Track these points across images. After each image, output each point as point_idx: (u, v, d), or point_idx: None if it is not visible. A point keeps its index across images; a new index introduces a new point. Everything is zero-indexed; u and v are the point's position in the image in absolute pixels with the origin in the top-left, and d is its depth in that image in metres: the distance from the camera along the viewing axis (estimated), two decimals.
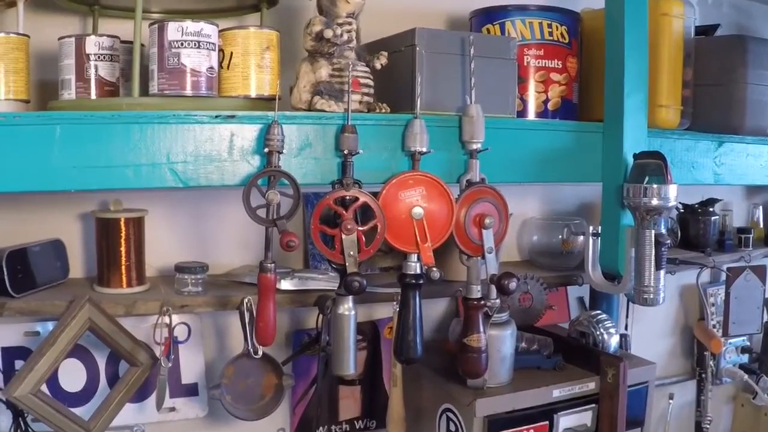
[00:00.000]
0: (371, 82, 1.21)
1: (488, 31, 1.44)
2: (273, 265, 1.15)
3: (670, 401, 2.09)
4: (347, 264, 1.14)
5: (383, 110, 1.22)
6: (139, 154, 1.07)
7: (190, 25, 1.13)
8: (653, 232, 1.30)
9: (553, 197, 1.93)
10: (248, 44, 1.20)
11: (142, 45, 1.17)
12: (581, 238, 1.69)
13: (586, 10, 1.55)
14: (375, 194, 1.18)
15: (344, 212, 1.15)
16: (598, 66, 1.46)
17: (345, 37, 1.17)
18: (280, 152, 1.11)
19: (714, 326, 2.08)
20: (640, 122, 1.37)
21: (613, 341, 1.58)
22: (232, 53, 1.20)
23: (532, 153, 1.33)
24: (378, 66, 1.22)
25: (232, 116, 1.11)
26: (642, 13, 1.35)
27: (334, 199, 1.15)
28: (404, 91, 1.24)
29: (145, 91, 1.16)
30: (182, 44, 1.13)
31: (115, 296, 1.34)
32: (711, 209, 1.95)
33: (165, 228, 1.52)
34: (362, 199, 1.16)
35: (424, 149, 1.19)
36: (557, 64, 1.43)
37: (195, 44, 1.14)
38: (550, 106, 1.43)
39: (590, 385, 1.48)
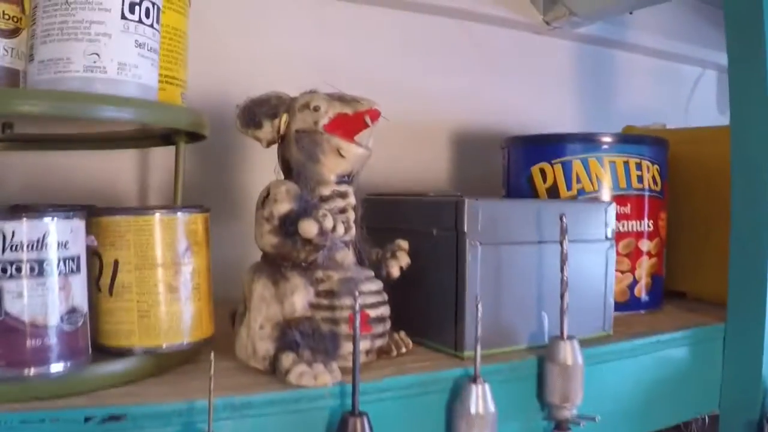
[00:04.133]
0: (387, 310, 0.61)
1: (542, 172, 0.85)
2: None
3: None
4: None
5: (403, 348, 0.62)
6: None
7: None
8: None
9: None
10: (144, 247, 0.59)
11: None
12: None
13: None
14: None
15: None
16: (682, 214, 0.92)
17: (340, 229, 0.56)
18: None
19: None
20: None
21: None
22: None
23: (635, 388, 0.75)
24: (396, 273, 0.62)
25: None
26: None
27: None
28: (433, 306, 0.65)
29: None
30: None
31: None
32: None
33: None
34: None
35: None
36: (649, 226, 0.86)
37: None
38: (637, 291, 0.86)
39: None
